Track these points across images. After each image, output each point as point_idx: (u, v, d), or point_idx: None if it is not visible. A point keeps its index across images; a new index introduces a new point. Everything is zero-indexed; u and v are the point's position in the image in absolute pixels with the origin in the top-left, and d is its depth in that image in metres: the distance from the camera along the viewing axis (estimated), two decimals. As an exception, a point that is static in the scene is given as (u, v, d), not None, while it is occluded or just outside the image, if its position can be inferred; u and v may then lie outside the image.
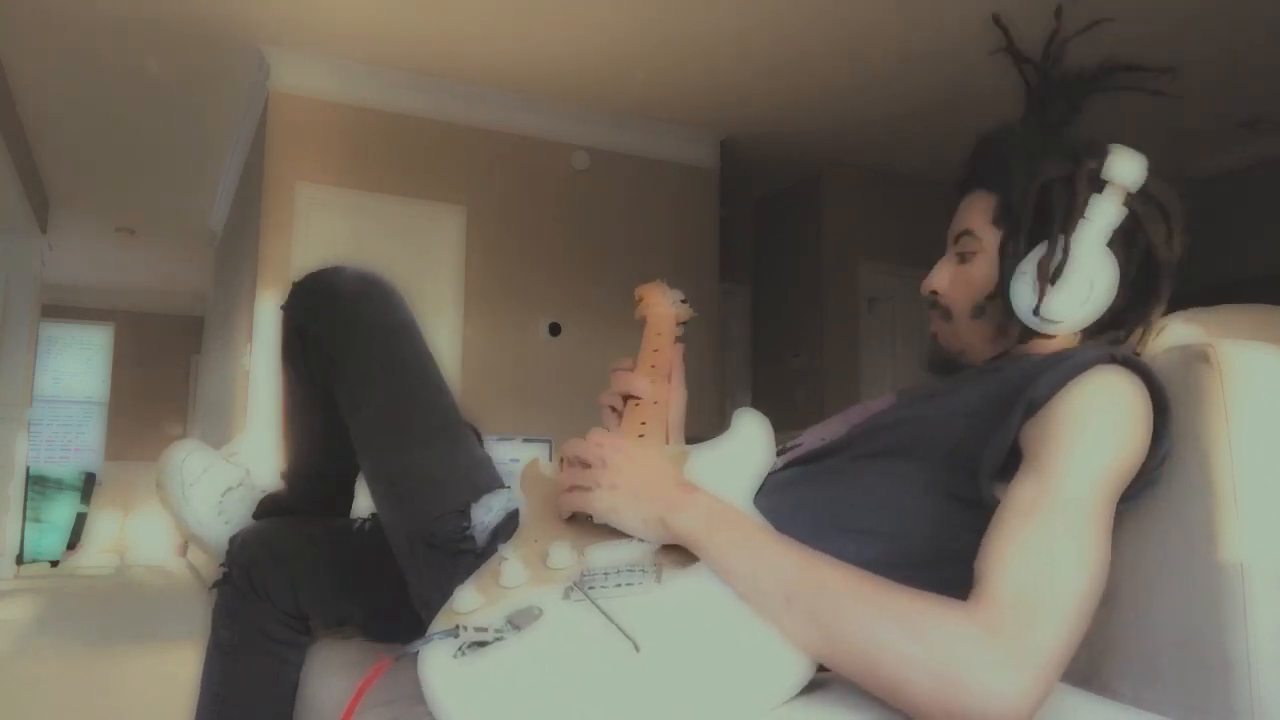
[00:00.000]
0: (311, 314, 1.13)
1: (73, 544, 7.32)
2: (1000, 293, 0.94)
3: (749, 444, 0.97)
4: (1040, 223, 0.92)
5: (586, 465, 0.86)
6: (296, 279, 1.17)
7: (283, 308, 1.17)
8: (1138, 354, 0.91)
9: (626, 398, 1.08)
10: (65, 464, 8.26)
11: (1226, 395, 0.81)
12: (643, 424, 1.03)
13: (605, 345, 4.83)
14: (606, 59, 4.34)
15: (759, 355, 6.27)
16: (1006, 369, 0.88)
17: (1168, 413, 0.80)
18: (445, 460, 1.03)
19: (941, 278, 1.01)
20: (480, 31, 4.06)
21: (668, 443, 1.06)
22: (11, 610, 4.75)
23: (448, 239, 4.64)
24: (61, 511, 6.98)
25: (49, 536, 6.86)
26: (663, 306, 1.24)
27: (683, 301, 1.28)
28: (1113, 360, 0.80)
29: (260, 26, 4.05)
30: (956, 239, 0.99)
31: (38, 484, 6.80)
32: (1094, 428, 0.76)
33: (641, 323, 1.25)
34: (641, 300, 1.29)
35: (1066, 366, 0.80)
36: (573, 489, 0.86)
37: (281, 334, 1.18)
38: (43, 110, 4.93)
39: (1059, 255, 0.89)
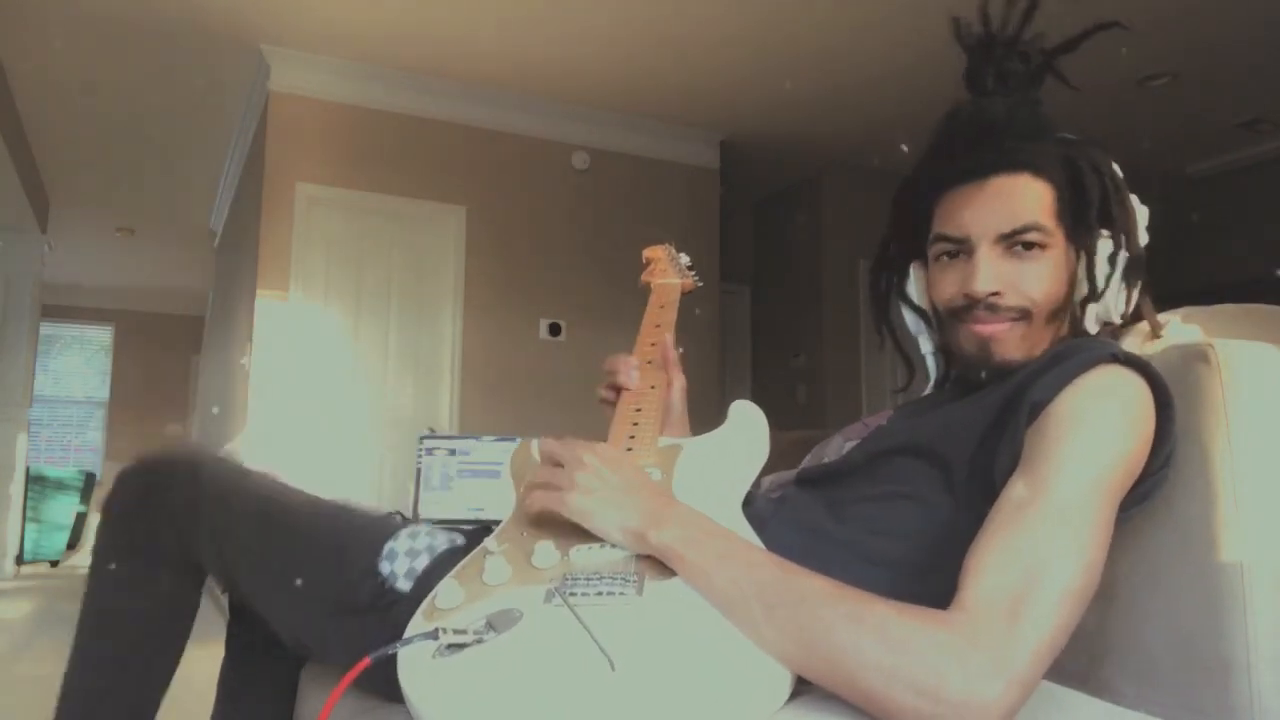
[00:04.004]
0: (144, 509, 1.03)
1: (73, 544, 7.30)
2: (1093, 295, 0.87)
3: (743, 438, 0.95)
4: (1101, 217, 0.88)
5: (559, 464, 0.83)
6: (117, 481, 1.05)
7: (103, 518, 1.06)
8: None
9: (619, 389, 1.04)
10: (65, 464, 8.26)
11: (1226, 395, 0.81)
12: (638, 411, 0.99)
13: (606, 345, 4.81)
14: (607, 59, 4.34)
15: (759, 355, 6.27)
16: (1014, 373, 0.85)
17: (1171, 410, 0.79)
18: (333, 539, 0.97)
19: (999, 277, 0.86)
20: (480, 31, 4.06)
21: (663, 432, 1.01)
22: (11, 610, 4.74)
23: (448, 239, 4.63)
24: (61, 511, 6.96)
25: (49, 536, 6.85)
26: (670, 275, 1.20)
27: (689, 269, 1.23)
28: (1114, 359, 0.79)
29: (260, 26, 4.05)
30: (1014, 232, 0.86)
31: (38, 484, 6.79)
32: (1090, 427, 0.74)
33: (645, 289, 1.20)
34: (649, 263, 1.24)
35: (1068, 366, 0.78)
36: (543, 487, 0.82)
37: (110, 542, 1.05)
38: (43, 110, 4.92)
39: (1124, 253, 0.87)
